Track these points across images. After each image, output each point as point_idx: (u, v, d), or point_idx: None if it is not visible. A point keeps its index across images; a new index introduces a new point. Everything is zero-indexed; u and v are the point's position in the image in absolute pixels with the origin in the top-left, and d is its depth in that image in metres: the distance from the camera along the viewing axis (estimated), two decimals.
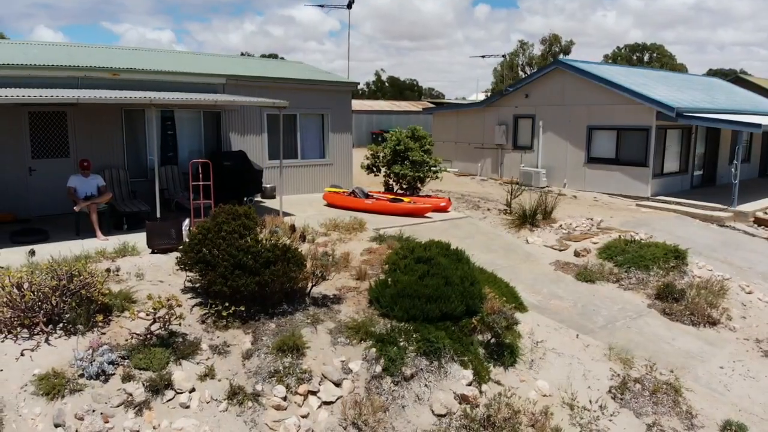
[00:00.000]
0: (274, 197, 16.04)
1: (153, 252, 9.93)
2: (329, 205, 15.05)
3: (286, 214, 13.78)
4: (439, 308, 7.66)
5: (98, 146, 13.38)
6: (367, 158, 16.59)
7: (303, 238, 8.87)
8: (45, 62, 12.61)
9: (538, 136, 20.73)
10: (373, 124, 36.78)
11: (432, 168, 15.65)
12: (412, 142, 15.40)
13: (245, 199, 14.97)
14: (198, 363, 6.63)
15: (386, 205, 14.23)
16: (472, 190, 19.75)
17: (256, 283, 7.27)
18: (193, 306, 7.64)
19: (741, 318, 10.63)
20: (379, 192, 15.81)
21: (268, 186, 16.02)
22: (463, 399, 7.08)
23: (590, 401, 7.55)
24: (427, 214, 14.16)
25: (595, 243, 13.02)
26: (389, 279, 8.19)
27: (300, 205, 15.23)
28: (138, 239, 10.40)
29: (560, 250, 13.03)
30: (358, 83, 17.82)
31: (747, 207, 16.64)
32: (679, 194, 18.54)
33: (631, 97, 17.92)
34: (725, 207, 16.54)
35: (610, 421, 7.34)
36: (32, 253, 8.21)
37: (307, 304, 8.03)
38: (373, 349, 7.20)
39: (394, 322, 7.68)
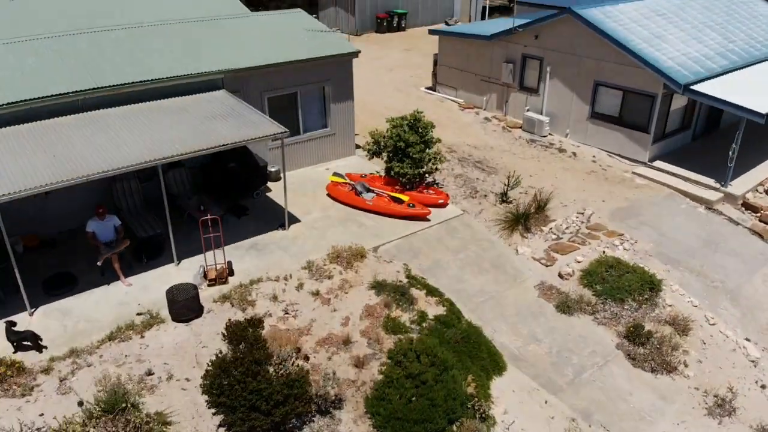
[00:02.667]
0: (279, 179, 16.63)
1: (175, 319, 11.13)
2: (332, 197, 15.69)
3: (291, 217, 14.62)
4: (425, 429, 9.08)
5: None
6: (369, 145, 16.76)
7: (306, 358, 9.96)
8: (46, 93, 12.64)
9: (545, 80, 20.33)
10: (377, 6, 34.83)
11: (432, 158, 15.96)
12: (414, 134, 15.53)
13: (254, 193, 15.66)
14: None
15: (386, 208, 14.91)
16: (472, 143, 19.96)
17: (270, 423, 8.64)
18: (218, 427, 9.10)
19: (697, 362, 12.00)
20: (381, 180, 16.28)
21: (273, 170, 16.54)
22: None
23: None
24: (426, 209, 14.93)
25: (579, 262, 13.95)
26: (385, 390, 9.47)
27: (304, 194, 15.93)
28: (158, 284, 11.68)
29: (547, 266, 14.01)
30: (359, 51, 17.29)
31: (740, 184, 17.06)
32: (679, 151, 18.85)
33: (640, 63, 17.41)
34: (718, 185, 16.99)
35: None
36: (80, 404, 9.14)
37: (312, 412, 9.44)
38: None
39: None
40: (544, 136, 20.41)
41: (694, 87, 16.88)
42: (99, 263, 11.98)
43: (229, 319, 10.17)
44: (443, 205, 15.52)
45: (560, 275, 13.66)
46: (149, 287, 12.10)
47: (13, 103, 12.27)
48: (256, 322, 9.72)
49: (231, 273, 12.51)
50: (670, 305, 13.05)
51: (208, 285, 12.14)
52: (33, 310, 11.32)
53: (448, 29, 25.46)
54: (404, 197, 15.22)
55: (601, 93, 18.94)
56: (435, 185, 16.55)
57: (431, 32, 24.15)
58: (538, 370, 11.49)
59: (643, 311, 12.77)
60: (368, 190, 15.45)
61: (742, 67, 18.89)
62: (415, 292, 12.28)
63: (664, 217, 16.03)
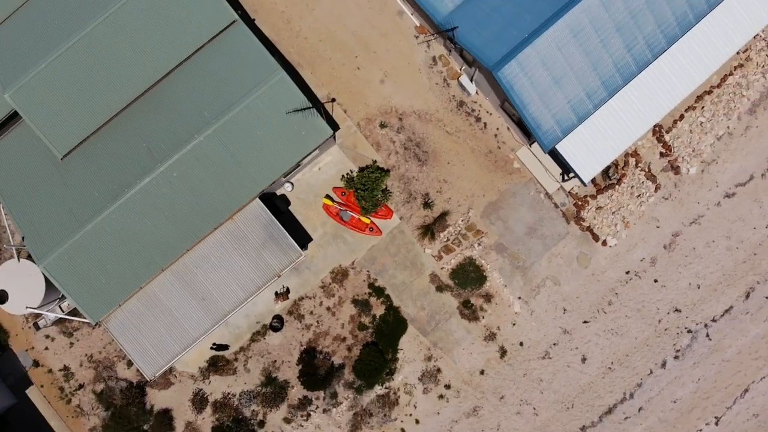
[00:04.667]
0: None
1: (273, 331, 27.53)
2: (327, 213, 27.68)
3: (307, 237, 27.66)
4: (375, 377, 27.60)
5: None
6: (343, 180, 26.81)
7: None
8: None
9: (476, 72, 26.40)
10: None
11: (381, 195, 26.75)
12: (367, 196, 26.00)
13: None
14: None
15: (358, 229, 27.49)
16: (418, 108, 28.04)
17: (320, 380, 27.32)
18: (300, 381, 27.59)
19: (489, 314, 28.54)
20: (352, 194, 27.39)
21: (289, 190, 27.57)
22: None
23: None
24: (379, 232, 27.63)
25: (452, 261, 27.93)
26: (359, 362, 27.36)
27: (309, 206, 27.84)
28: (256, 299, 27.69)
29: (438, 260, 28.11)
30: (335, 132, 24.72)
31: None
32: None
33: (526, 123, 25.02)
34: (560, 180, 27.77)
35: None
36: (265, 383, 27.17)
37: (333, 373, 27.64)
38: None
39: None
40: (470, 95, 28.03)
41: (559, 146, 25.37)
42: None
43: (300, 356, 26.94)
44: (389, 217, 27.79)
45: (442, 269, 28.17)
46: (254, 302, 27.62)
47: None
48: (306, 358, 26.60)
49: (288, 292, 27.68)
50: (488, 285, 28.29)
51: (281, 302, 27.63)
52: None
53: None
54: (366, 220, 27.49)
55: (507, 105, 26.28)
56: (386, 201, 27.69)
57: None
58: (421, 325, 28.41)
59: (474, 292, 28.23)
60: (345, 212, 27.49)
61: (630, 78, 25.23)
62: (372, 300, 27.76)
63: (513, 209, 28.12)
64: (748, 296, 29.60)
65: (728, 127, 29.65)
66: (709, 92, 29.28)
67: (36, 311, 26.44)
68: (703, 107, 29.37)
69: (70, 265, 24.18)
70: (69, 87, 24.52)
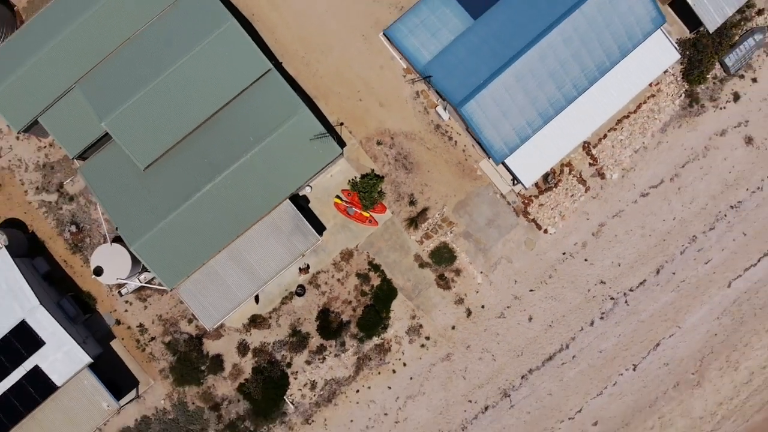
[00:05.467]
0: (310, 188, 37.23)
1: (297, 296, 37.11)
2: (337, 210, 37.06)
3: (322, 227, 37.14)
4: (375, 329, 37.24)
5: None
6: (349, 184, 36.12)
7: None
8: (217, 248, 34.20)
9: (449, 107, 35.67)
10: None
11: (378, 194, 36.03)
12: (367, 197, 35.26)
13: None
14: None
15: (359, 221, 36.90)
16: (406, 130, 37.35)
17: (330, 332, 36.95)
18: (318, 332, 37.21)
19: (458, 284, 38.01)
20: (356, 194, 36.72)
21: (309, 192, 36.94)
22: None
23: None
24: (376, 223, 37.02)
25: (431, 245, 37.38)
26: (362, 319, 36.97)
27: (323, 203, 37.23)
28: (286, 272, 37.31)
29: (420, 244, 37.56)
30: (342, 152, 34.06)
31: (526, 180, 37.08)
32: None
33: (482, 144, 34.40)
34: (511, 184, 37.13)
35: None
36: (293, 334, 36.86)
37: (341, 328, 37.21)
38: None
39: None
40: (444, 121, 37.33)
41: (507, 160, 34.71)
42: None
43: (318, 314, 36.49)
44: (383, 213, 37.21)
45: (423, 250, 37.62)
46: (284, 274, 37.05)
47: None
48: (322, 316, 36.14)
49: (309, 267, 37.20)
50: (458, 262, 37.75)
51: (303, 274, 37.13)
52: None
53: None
54: (366, 214, 36.92)
55: (469, 130, 35.57)
56: (381, 200, 37.05)
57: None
58: (408, 292, 37.88)
59: (447, 267, 37.70)
60: (351, 208, 36.92)
61: (561, 110, 34.47)
62: (371, 274, 37.25)
63: (477, 206, 37.51)
64: (658, 272, 38.98)
65: (644, 142, 38.88)
66: (627, 117, 38.53)
67: (123, 281, 35.90)
68: (622, 128, 38.63)
69: (153, 247, 33.63)
70: (149, 117, 33.71)
